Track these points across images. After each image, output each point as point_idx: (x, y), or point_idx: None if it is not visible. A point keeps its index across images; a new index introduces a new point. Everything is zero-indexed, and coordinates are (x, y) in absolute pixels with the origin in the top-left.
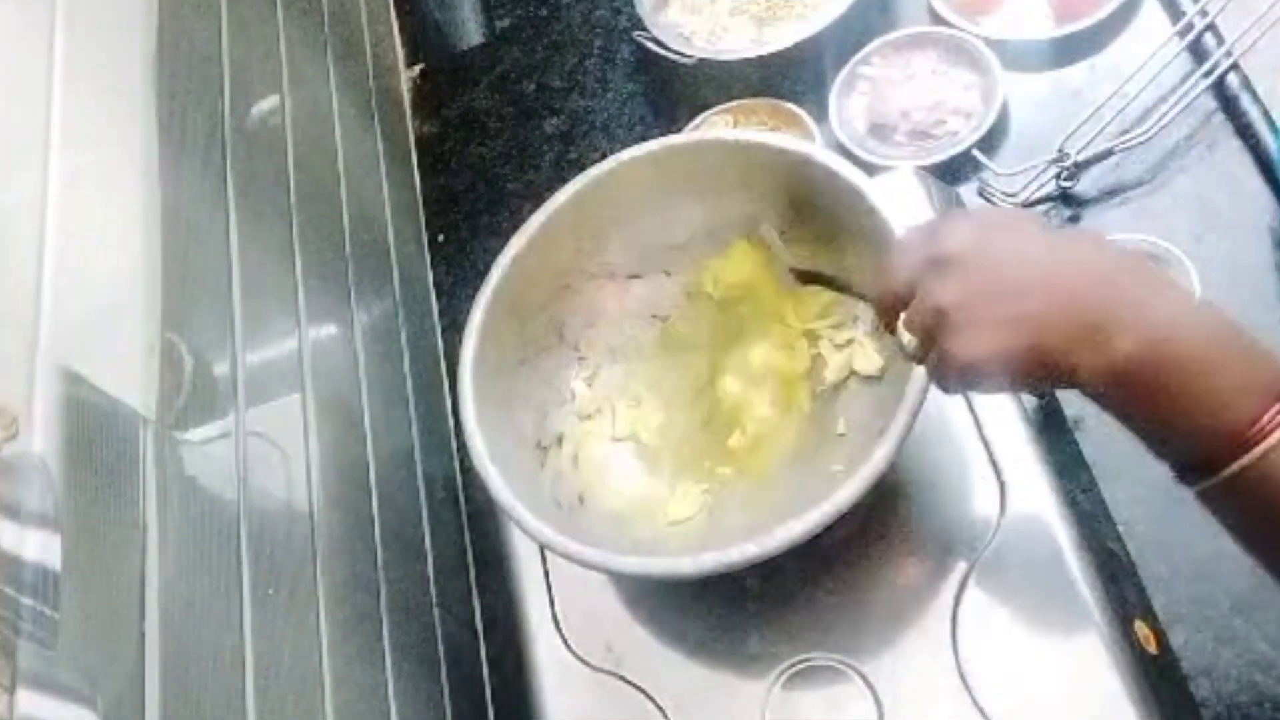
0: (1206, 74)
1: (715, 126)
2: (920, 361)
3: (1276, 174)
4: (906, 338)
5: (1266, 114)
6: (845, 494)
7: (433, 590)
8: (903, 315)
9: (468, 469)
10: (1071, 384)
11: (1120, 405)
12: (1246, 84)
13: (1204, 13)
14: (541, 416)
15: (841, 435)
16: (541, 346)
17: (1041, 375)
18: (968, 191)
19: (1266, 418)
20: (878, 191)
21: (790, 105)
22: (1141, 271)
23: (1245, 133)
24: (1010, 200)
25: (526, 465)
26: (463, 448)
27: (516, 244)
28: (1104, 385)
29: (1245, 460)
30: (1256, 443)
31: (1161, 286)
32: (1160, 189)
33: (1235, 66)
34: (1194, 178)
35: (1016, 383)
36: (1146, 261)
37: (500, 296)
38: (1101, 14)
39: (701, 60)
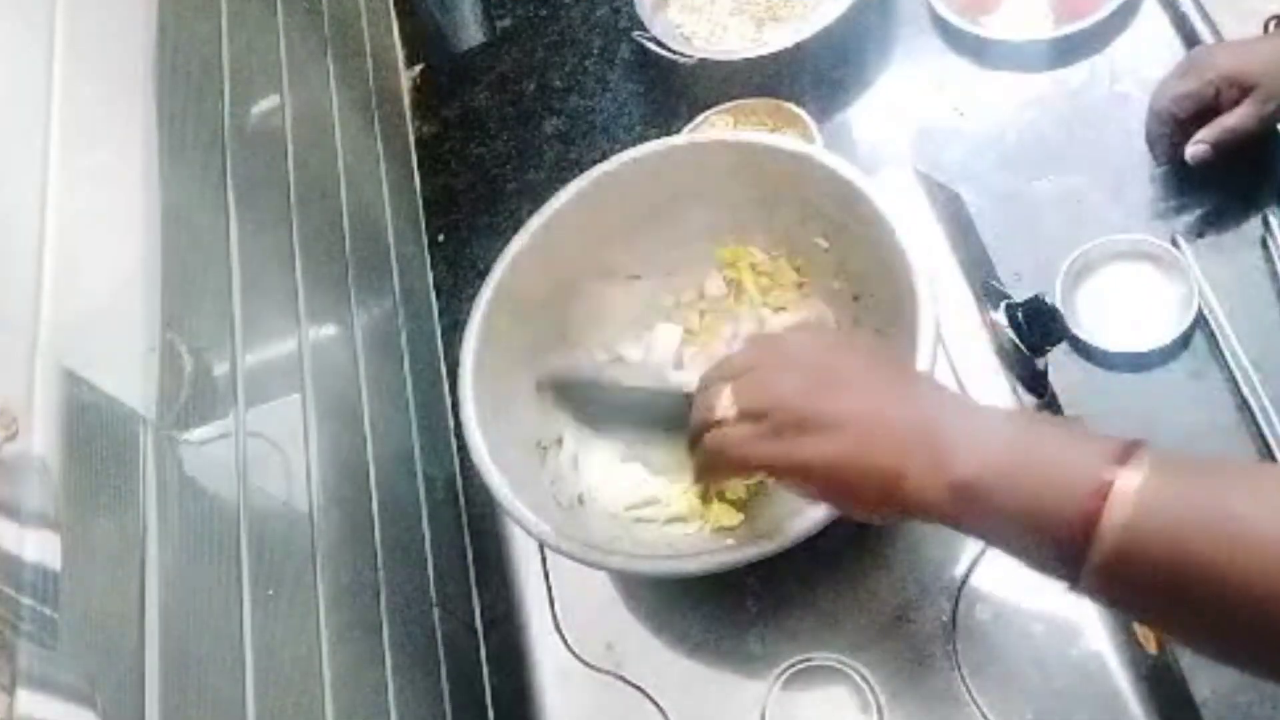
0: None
1: (715, 126)
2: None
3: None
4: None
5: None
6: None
7: (433, 590)
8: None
9: (468, 469)
10: (895, 504)
11: (955, 520)
12: None
13: (1204, 14)
14: (542, 416)
15: None
16: (542, 346)
17: (872, 490)
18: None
19: (1096, 497)
20: (878, 191)
21: (790, 105)
22: (946, 394)
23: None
24: None
25: (526, 465)
26: (463, 448)
27: (517, 244)
28: (937, 501)
29: (1102, 542)
30: (1095, 522)
31: (965, 399)
32: (1160, 188)
33: None
34: (1194, 177)
35: (840, 499)
36: (941, 384)
37: (501, 296)
38: (1101, 14)
39: (701, 60)
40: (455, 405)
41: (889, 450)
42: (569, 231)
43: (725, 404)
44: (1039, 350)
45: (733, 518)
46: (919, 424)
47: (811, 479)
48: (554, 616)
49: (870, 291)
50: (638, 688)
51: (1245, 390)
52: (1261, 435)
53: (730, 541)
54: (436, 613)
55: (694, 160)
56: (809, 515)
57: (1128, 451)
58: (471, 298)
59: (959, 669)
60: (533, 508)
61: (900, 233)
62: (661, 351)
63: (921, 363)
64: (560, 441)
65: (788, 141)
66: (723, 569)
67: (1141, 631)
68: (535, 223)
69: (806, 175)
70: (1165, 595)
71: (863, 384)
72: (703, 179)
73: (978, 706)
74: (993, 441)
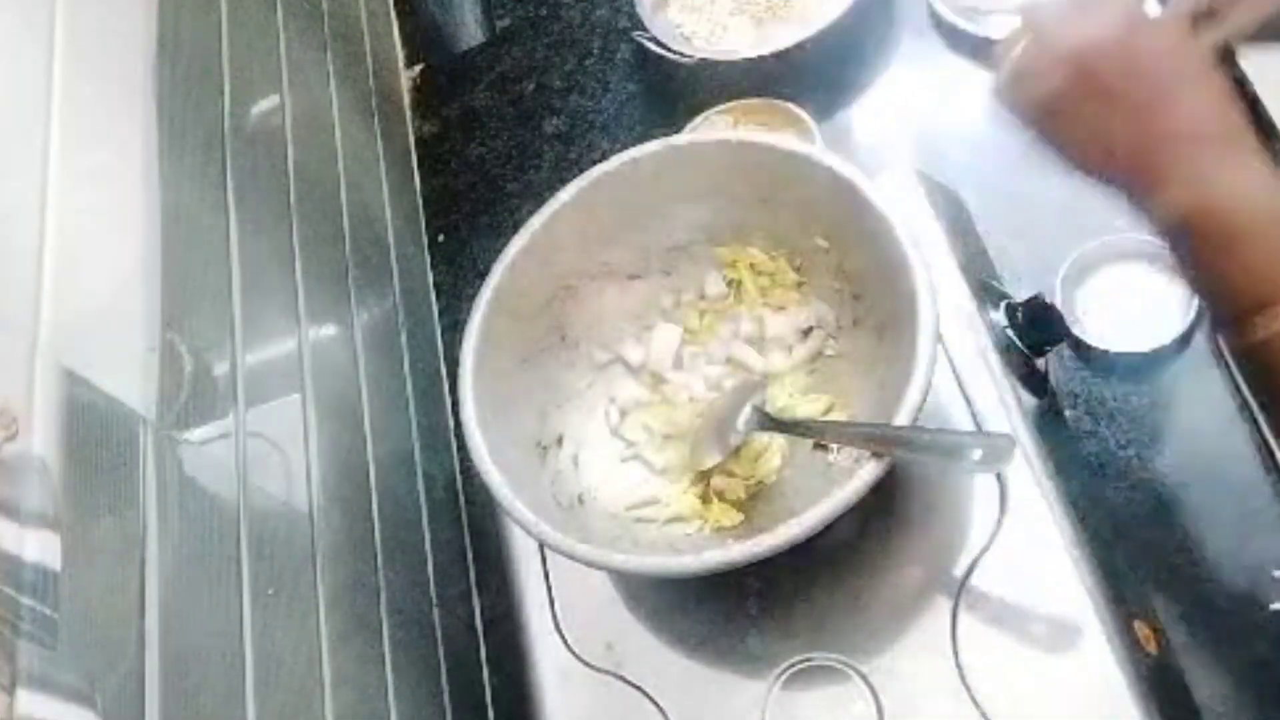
0: None
1: (715, 126)
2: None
3: None
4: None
5: (1265, 117)
6: (845, 493)
7: (433, 590)
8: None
9: (468, 469)
10: (1140, 203)
11: (1170, 245)
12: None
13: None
14: (542, 416)
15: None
16: (542, 346)
17: (1105, 178)
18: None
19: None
20: (878, 192)
21: (790, 105)
22: (1232, 124)
23: None
24: None
25: (526, 465)
26: (463, 448)
27: (517, 244)
28: (1155, 220)
29: (1274, 325)
30: (1256, 322)
31: (1242, 144)
32: None
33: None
34: None
35: (1085, 169)
36: (1241, 115)
37: (501, 296)
38: None
39: (701, 60)
40: (455, 405)
41: (1123, 170)
42: (569, 231)
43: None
44: (1039, 350)
45: (733, 517)
46: (1194, 128)
47: (1079, 130)
48: (554, 616)
49: (870, 291)
50: (638, 688)
51: (1245, 390)
52: (1261, 435)
53: (730, 541)
54: (436, 613)
55: (694, 160)
56: (809, 515)
57: None
58: (471, 298)
59: (959, 669)
60: (532, 508)
61: (900, 232)
62: (660, 351)
63: (921, 363)
64: (560, 441)
65: (788, 141)
66: (722, 569)
67: (1142, 632)
68: (535, 223)
69: (806, 175)
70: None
71: (1127, 101)
72: (703, 179)
73: (978, 706)
74: (1218, 192)
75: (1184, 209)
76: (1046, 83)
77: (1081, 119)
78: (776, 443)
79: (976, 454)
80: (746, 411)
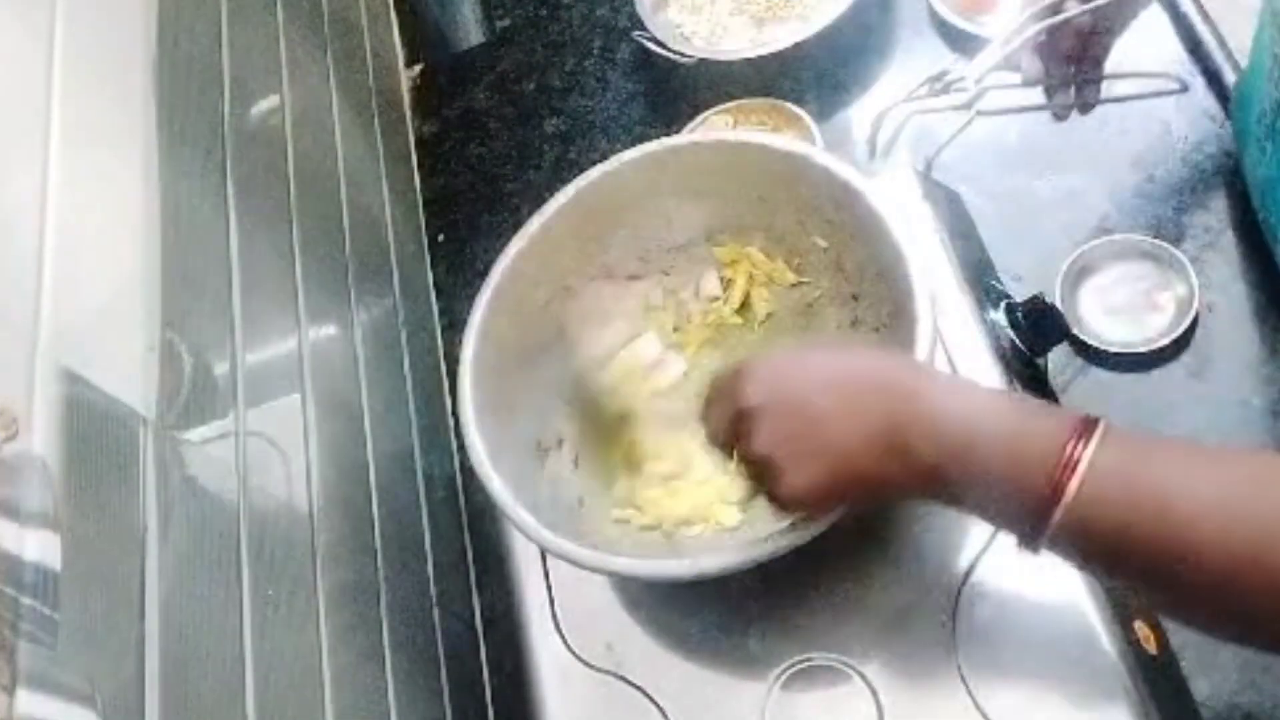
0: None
1: (715, 126)
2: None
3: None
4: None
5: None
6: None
7: (433, 590)
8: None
9: (468, 469)
10: (894, 494)
11: (943, 498)
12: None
13: (1204, 14)
14: (541, 418)
15: None
16: (542, 347)
17: (865, 492)
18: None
19: (1060, 472)
20: (877, 192)
21: (790, 105)
22: (920, 373)
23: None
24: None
25: (526, 467)
26: (463, 448)
27: (517, 244)
28: (919, 488)
29: (1057, 516)
30: (1059, 498)
31: (939, 382)
32: (1160, 188)
33: (1236, 67)
34: (1193, 176)
35: (848, 502)
36: (920, 363)
37: (500, 297)
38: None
39: (701, 60)
40: (455, 405)
41: (866, 465)
42: (568, 232)
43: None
44: (1039, 350)
45: (733, 518)
46: (885, 432)
47: (811, 501)
48: (554, 616)
49: (869, 291)
50: (638, 688)
51: (1245, 390)
52: (1262, 435)
53: (731, 543)
54: (436, 613)
55: (693, 160)
56: (798, 523)
57: (1087, 427)
58: (471, 298)
59: (959, 669)
60: (531, 510)
61: (898, 232)
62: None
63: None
64: (560, 443)
65: (787, 141)
66: (722, 574)
67: (1142, 632)
68: (535, 223)
69: (805, 175)
70: (1109, 560)
71: (832, 411)
72: (702, 179)
73: (978, 706)
74: (956, 427)
75: (931, 463)
76: (770, 451)
77: (811, 454)
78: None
79: None
80: None
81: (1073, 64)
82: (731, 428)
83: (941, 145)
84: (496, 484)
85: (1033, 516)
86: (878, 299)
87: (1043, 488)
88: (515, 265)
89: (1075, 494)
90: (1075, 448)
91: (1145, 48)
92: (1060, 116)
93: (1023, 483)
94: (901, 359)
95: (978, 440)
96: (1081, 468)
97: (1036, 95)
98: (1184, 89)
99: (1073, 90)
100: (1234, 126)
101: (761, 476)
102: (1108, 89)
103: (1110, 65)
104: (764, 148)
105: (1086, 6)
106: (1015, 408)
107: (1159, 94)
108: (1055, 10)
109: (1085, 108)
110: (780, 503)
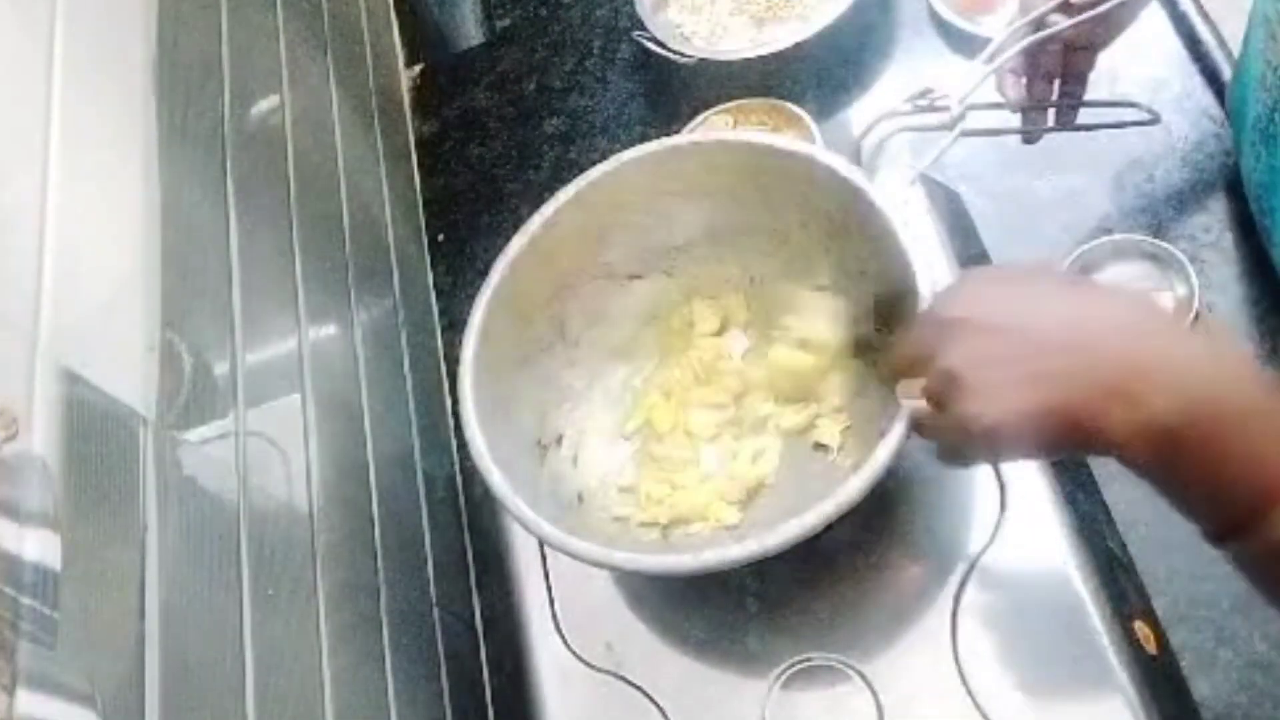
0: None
1: (715, 126)
2: (930, 437)
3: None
4: (913, 404)
5: None
6: (846, 493)
7: (433, 590)
8: (916, 386)
9: (467, 469)
10: (1102, 447)
11: (1156, 467)
12: None
13: (1204, 14)
14: (541, 416)
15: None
16: (542, 346)
17: (1068, 438)
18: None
19: None
20: (878, 191)
21: (790, 105)
22: (1170, 327)
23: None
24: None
25: (526, 464)
26: (463, 448)
27: (517, 244)
28: (1138, 447)
29: (1272, 531)
30: (1269, 517)
31: (1191, 342)
32: (1160, 188)
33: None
34: (1193, 176)
35: (1041, 447)
36: (1173, 316)
37: (501, 296)
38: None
39: (701, 60)
40: (455, 405)
41: (1083, 406)
42: (569, 231)
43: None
44: None
45: (733, 517)
46: (1116, 367)
47: (1001, 435)
48: (554, 616)
49: (871, 292)
50: (638, 688)
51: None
52: None
53: (730, 541)
54: (436, 613)
55: (694, 160)
56: (809, 515)
57: None
58: (471, 298)
59: (959, 669)
60: (532, 506)
61: (901, 233)
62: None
63: None
64: (560, 440)
65: (788, 141)
66: (722, 568)
67: (1142, 632)
68: (535, 222)
69: (808, 176)
70: None
71: (1056, 337)
72: (703, 179)
73: (977, 706)
74: (1198, 390)
75: (1167, 422)
76: (963, 368)
77: (1018, 380)
78: (774, 443)
79: None
80: None
81: (1055, 80)
82: (931, 338)
83: (925, 165)
84: (497, 478)
85: (1251, 515)
86: (881, 300)
87: (1265, 489)
88: (516, 264)
89: None
90: None
91: (1145, 47)
92: (1031, 140)
93: (1259, 468)
94: (1148, 302)
95: (1227, 408)
96: None
97: (1019, 116)
98: (1155, 120)
99: (1050, 114)
100: (1231, 130)
101: (946, 399)
102: (1082, 116)
103: (1104, 71)
104: (767, 148)
105: (1068, 23)
106: (1271, 392)
107: (1132, 124)
108: (1039, 26)
109: (1064, 121)
110: (962, 431)
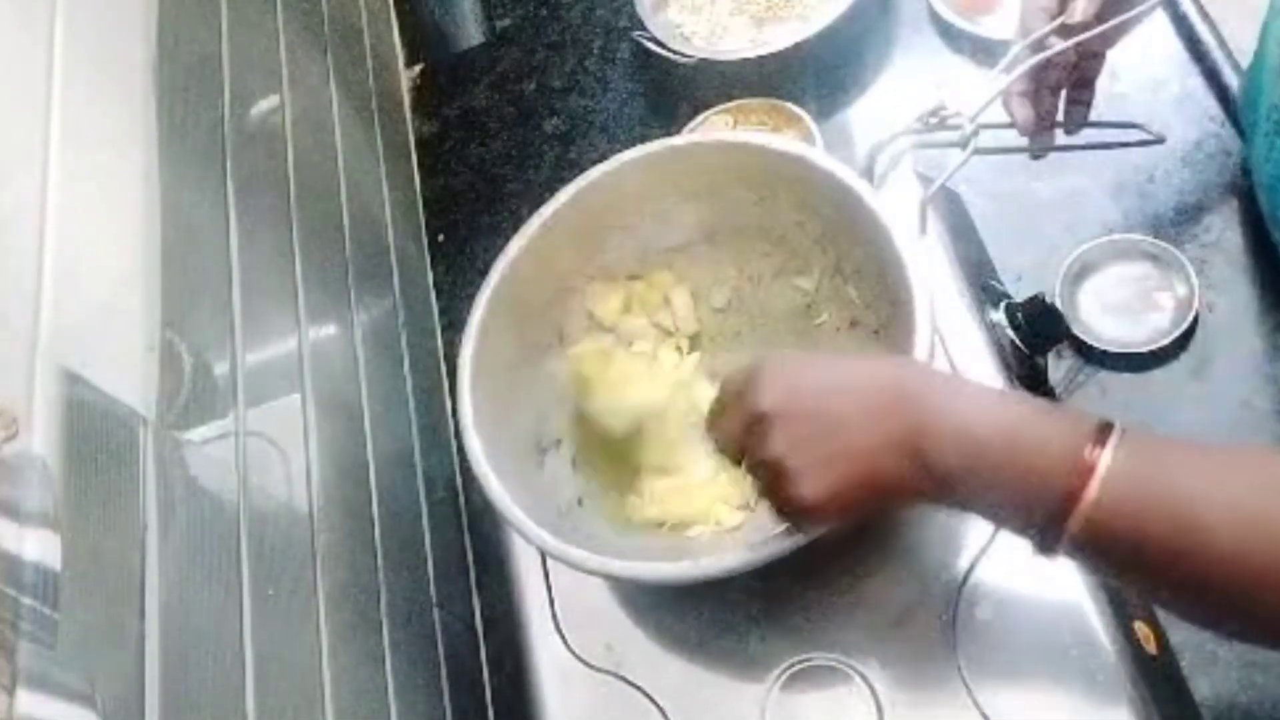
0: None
1: (715, 126)
2: (769, 506)
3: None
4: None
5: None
6: None
7: (433, 591)
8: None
9: (468, 469)
10: (906, 499)
11: (957, 503)
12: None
13: (1204, 14)
14: (540, 418)
15: None
16: (541, 347)
17: (878, 498)
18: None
19: (1076, 479)
20: (876, 194)
21: (790, 105)
22: (934, 378)
23: (1245, 135)
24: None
25: (525, 467)
26: (463, 448)
27: (517, 244)
28: (936, 493)
29: (1074, 523)
30: (1075, 504)
31: (954, 387)
32: (1160, 188)
33: (1236, 67)
34: (1193, 176)
35: (858, 511)
36: (931, 368)
37: (500, 297)
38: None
39: (701, 60)
40: (455, 405)
41: (883, 471)
42: (568, 232)
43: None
44: (1039, 350)
45: (735, 519)
46: (902, 438)
47: (825, 509)
48: (554, 616)
49: (867, 293)
50: (638, 688)
51: (1245, 390)
52: (1263, 436)
53: (731, 545)
54: (436, 613)
55: (694, 160)
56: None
57: (1103, 432)
58: (471, 298)
59: (959, 669)
60: (529, 511)
61: (897, 234)
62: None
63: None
64: (559, 444)
65: (787, 143)
66: (723, 575)
67: (1142, 632)
68: (534, 223)
69: (805, 176)
70: (1127, 565)
71: (849, 416)
72: (702, 179)
73: (978, 706)
74: (972, 432)
75: (947, 468)
76: (781, 457)
77: (828, 458)
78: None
79: None
80: None
81: (1062, 90)
82: (743, 432)
83: (937, 184)
84: (494, 484)
85: (1049, 522)
86: (876, 301)
87: (1059, 494)
88: (515, 265)
89: (1093, 501)
90: (1092, 453)
91: (1145, 47)
92: (1038, 156)
93: (1039, 489)
94: (912, 363)
95: (992, 446)
96: (1099, 474)
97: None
98: (1160, 141)
99: (1056, 130)
100: (1242, 122)
101: (772, 484)
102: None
103: (1105, 71)
104: (764, 149)
105: (1067, 44)
106: (1030, 412)
107: (1137, 144)
108: (1039, 46)
109: (1071, 130)
110: (790, 511)
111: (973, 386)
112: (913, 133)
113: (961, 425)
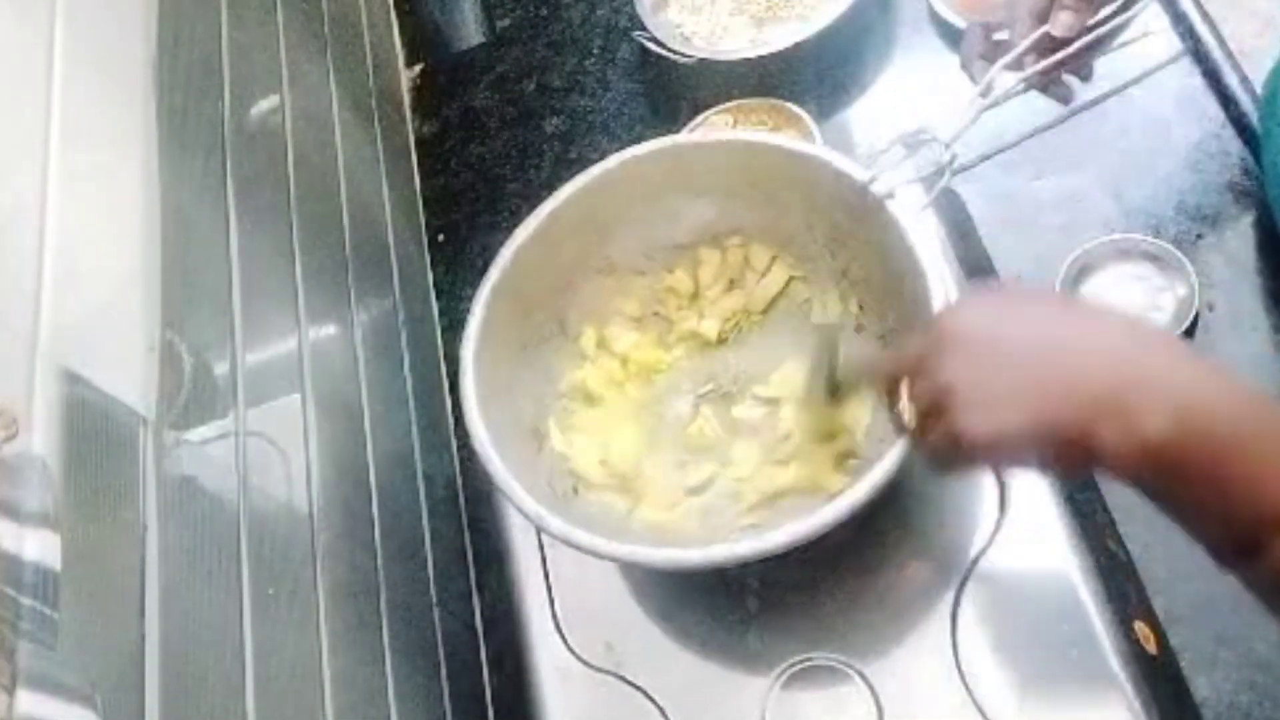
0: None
1: (715, 126)
2: (916, 438)
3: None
4: (906, 413)
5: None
6: (852, 496)
7: (433, 590)
8: (906, 389)
9: (467, 469)
10: (1094, 464)
11: (1153, 485)
12: (1247, 85)
13: (1204, 14)
14: (540, 405)
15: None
16: (543, 337)
17: (1059, 454)
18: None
19: None
20: (891, 200)
21: (790, 105)
22: (1167, 346)
23: (1246, 135)
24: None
25: (524, 452)
26: (463, 447)
27: (520, 236)
28: (1133, 465)
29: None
30: (1274, 540)
31: (1186, 361)
32: (1160, 188)
33: (1236, 67)
34: (1193, 176)
35: (1032, 459)
36: (1172, 336)
37: (504, 286)
38: (1101, 14)
39: (701, 60)
40: (455, 404)
41: (1075, 415)
42: (572, 226)
43: (905, 406)
44: None
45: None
46: (1110, 383)
47: (984, 452)
48: (554, 616)
49: (873, 298)
50: (638, 688)
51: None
52: None
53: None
54: (436, 613)
55: (703, 159)
56: (810, 516)
57: None
58: (471, 298)
59: (959, 668)
60: (530, 493)
61: (913, 243)
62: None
63: None
64: (558, 430)
65: (793, 142)
66: (729, 563)
67: (1142, 632)
68: (541, 213)
69: (816, 179)
70: None
71: (1049, 354)
72: (711, 178)
73: (978, 706)
74: (1192, 409)
75: (1161, 439)
76: (959, 382)
77: (1010, 393)
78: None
79: None
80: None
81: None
82: (930, 349)
83: (923, 205)
84: (497, 465)
85: (1256, 532)
86: (882, 307)
87: (1270, 510)
88: (521, 254)
89: None
90: None
91: (1145, 47)
92: (1064, 99)
93: (1260, 490)
94: (1142, 323)
95: (1220, 427)
96: None
97: (1011, 145)
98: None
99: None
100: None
101: (934, 413)
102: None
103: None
104: (776, 149)
105: (1051, 60)
106: (1272, 404)
107: (1161, 66)
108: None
109: (1086, 76)
110: (954, 444)
111: (1203, 363)
112: (895, 151)
113: (1188, 393)
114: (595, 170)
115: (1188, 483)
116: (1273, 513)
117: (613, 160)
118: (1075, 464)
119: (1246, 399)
